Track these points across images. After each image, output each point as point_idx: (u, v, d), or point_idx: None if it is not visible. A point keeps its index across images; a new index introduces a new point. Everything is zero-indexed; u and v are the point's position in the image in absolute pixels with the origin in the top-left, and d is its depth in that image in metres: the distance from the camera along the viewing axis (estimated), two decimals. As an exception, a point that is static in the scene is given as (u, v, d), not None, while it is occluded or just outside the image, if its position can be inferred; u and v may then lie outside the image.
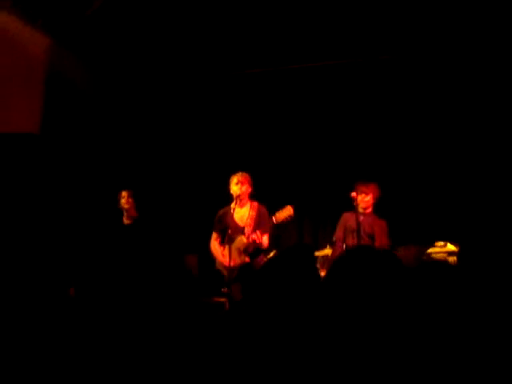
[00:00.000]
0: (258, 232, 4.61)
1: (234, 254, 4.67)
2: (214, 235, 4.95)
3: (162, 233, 5.68)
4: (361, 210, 4.87)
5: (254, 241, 4.61)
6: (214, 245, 4.93)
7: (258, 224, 4.72)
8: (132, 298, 2.17)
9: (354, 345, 1.53)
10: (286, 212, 4.52)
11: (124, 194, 5.51)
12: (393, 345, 1.53)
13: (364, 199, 4.87)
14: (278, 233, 5.68)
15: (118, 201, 5.54)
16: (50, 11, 5.08)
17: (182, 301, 2.26)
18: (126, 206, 5.49)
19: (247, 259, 4.66)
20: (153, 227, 5.58)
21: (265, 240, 4.73)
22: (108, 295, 2.29)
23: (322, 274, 5.47)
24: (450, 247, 5.04)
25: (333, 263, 1.86)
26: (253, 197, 4.91)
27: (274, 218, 4.58)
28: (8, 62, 5.24)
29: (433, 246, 5.16)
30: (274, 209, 4.81)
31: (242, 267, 4.64)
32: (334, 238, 5.13)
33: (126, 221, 5.56)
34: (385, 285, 1.64)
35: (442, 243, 5.13)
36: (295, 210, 4.62)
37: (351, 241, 4.85)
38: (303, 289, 1.95)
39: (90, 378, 1.78)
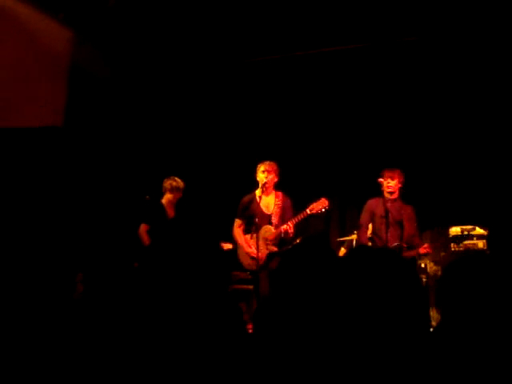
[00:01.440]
0: (289, 223, 4.62)
1: (261, 242, 4.68)
2: (238, 222, 4.93)
3: (199, 224, 5.70)
4: (387, 196, 4.85)
5: (286, 231, 4.62)
6: (238, 232, 4.92)
7: (284, 214, 4.74)
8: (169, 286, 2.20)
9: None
10: (321, 204, 4.54)
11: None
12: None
13: (389, 184, 4.85)
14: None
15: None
16: (71, 4, 5.08)
17: (214, 288, 2.28)
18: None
19: (274, 248, 4.68)
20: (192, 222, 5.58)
21: (291, 227, 4.73)
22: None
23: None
24: (479, 231, 5.02)
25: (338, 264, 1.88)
26: (280, 184, 4.91)
27: (308, 209, 4.59)
28: (31, 56, 5.25)
29: (451, 227, 5.15)
30: (302, 197, 4.84)
31: (270, 256, 4.67)
32: (360, 223, 5.11)
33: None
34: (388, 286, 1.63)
35: (470, 227, 5.10)
36: (319, 193, 4.66)
37: (379, 226, 4.83)
38: (323, 276, 1.97)
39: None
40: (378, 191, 4.91)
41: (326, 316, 1.73)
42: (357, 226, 5.28)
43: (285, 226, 4.62)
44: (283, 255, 2.24)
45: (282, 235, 4.66)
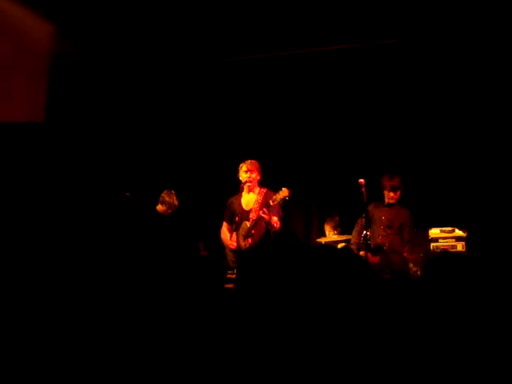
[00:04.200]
0: (264, 209, 4.59)
1: (240, 239, 4.71)
2: (224, 223, 5.01)
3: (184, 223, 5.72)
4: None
5: (253, 220, 4.60)
6: (224, 232, 4.98)
7: (265, 208, 4.73)
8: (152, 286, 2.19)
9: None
10: (282, 194, 4.52)
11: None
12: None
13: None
14: (285, 220, 5.67)
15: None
16: (53, -2, 5.03)
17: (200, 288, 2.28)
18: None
19: (249, 241, 4.64)
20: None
21: (275, 220, 4.68)
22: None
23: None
24: (458, 233, 5.05)
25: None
26: (263, 184, 4.92)
27: (270, 200, 4.59)
28: (11, 50, 5.17)
29: (431, 228, 5.20)
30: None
31: (246, 254, 4.65)
32: None
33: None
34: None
35: (449, 228, 5.14)
36: (298, 194, 4.65)
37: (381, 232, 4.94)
38: (295, 274, 1.99)
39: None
40: (358, 192, 4.93)
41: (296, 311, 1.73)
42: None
43: (260, 212, 4.58)
44: (252, 255, 2.24)
45: (255, 226, 4.63)
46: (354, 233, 5.11)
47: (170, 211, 5.59)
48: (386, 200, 4.94)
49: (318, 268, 1.73)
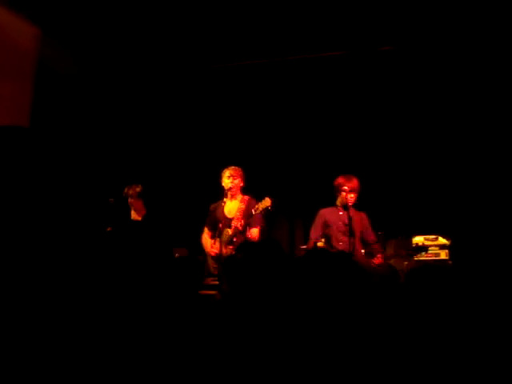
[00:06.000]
0: (241, 220, 4.61)
1: (222, 246, 4.68)
2: (206, 229, 4.98)
3: (163, 228, 5.63)
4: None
5: (236, 228, 4.60)
6: (205, 238, 4.95)
7: (247, 217, 4.72)
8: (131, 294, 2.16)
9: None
10: (265, 203, 4.51)
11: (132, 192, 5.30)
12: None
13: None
14: (269, 228, 5.65)
15: (124, 195, 5.34)
16: (38, 1, 5.01)
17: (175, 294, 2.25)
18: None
19: (230, 247, 4.62)
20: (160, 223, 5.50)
21: (254, 232, 4.71)
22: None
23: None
24: (442, 240, 5.07)
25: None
26: (245, 191, 4.90)
27: (253, 209, 4.58)
28: (-4, 54, 5.15)
29: (414, 236, 5.20)
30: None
31: (227, 259, 4.61)
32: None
33: (134, 216, 5.36)
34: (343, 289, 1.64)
35: (433, 236, 5.16)
36: (282, 202, 4.68)
37: (342, 238, 4.70)
38: (276, 277, 1.96)
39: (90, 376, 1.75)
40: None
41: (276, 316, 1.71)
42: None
43: (237, 223, 4.60)
44: (237, 260, 2.23)
45: (235, 235, 4.63)
46: (314, 228, 4.87)
47: (131, 201, 5.30)
48: (345, 202, 4.65)
49: (314, 271, 1.72)
